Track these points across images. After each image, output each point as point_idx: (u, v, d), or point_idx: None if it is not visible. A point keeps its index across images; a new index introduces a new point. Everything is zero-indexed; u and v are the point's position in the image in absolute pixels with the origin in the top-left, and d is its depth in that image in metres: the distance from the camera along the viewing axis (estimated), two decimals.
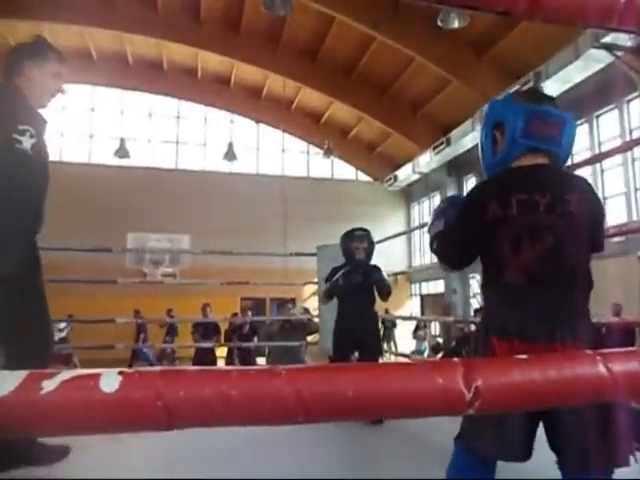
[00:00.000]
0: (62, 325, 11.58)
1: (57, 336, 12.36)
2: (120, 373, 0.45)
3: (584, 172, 10.75)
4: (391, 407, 0.51)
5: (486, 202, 1.40)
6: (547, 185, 1.37)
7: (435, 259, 1.88)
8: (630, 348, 0.60)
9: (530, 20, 0.73)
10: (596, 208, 1.44)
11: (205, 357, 7.94)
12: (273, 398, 0.47)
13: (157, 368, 0.47)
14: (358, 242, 3.54)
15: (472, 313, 14.62)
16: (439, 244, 1.62)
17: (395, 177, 18.22)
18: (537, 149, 1.41)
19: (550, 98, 1.49)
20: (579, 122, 11.52)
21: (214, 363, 8.26)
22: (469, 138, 13.78)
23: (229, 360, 8.41)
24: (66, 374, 0.44)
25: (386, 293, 3.52)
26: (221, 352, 8.93)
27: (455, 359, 0.53)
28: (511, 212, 1.35)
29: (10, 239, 1.80)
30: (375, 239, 3.75)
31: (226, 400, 0.46)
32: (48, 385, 0.43)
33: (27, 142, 1.86)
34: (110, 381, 0.45)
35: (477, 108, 12.79)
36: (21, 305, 1.82)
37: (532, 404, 0.57)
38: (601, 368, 0.56)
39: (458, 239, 1.51)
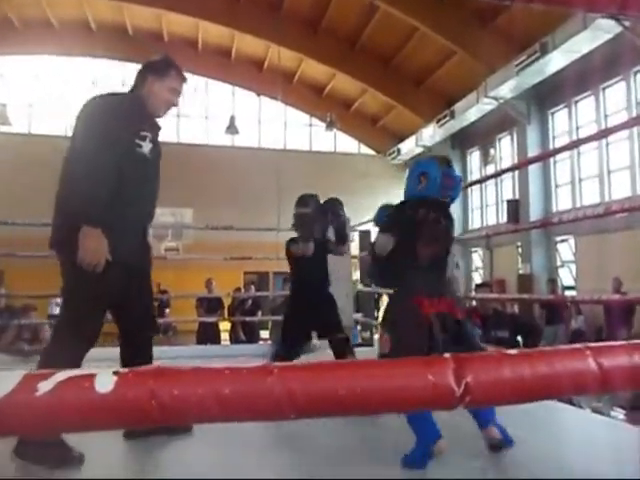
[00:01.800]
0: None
1: (52, 311, 12.38)
2: (115, 373, 0.46)
3: (590, 146, 10.65)
4: (382, 404, 0.52)
5: (415, 211, 2.26)
6: (444, 211, 2.32)
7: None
8: (619, 342, 0.61)
9: (531, 4, 0.72)
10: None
11: (209, 331, 8.03)
12: (265, 396, 0.48)
13: (152, 367, 0.48)
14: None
15: (474, 287, 14.68)
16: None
17: (398, 150, 18.07)
18: (442, 195, 2.29)
19: (451, 163, 2.39)
20: (586, 94, 11.35)
21: (218, 337, 8.35)
22: (473, 111, 13.62)
23: (233, 334, 8.50)
24: (62, 374, 0.45)
25: None
26: (225, 326, 9.01)
27: (446, 355, 0.54)
28: (427, 219, 2.24)
29: (128, 229, 2.07)
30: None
31: (219, 398, 0.47)
32: (44, 386, 0.44)
33: (146, 147, 2.11)
34: (105, 381, 0.45)
35: (482, 80, 12.60)
36: (133, 286, 2.14)
37: (522, 399, 0.58)
38: (591, 363, 0.57)
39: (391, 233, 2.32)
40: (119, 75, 17.54)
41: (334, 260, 3.53)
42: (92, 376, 0.46)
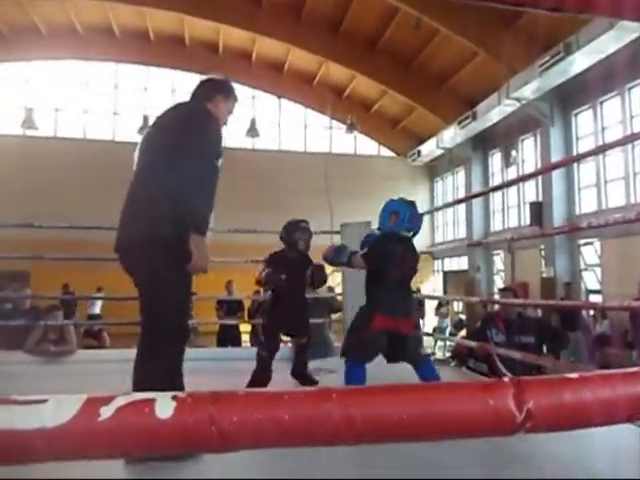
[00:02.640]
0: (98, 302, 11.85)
1: (93, 311, 12.64)
2: (174, 398, 0.46)
3: (616, 148, 10.44)
4: (442, 430, 0.51)
5: (387, 245, 2.98)
6: (407, 245, 3.03)
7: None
8: None
9: (581, 14, 0.70)
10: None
11: (229, 333, 8.06)
12: (324, 421, 0.47)
13: (209, 392, 0.48)
14: (301, 233, 3.78)
15: (496, 291, 14.50)
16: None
17: (419, 152, 17.99)
18: (408, 229, 3.02)
19: (415, 204, 3.10)
20: (611, 95, 11.16)
21: (239, 339, 8.38)
22: (495, 112, 13.49)
23: (254, 337, 8.50)
24: (122, 399, 0.45)
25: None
26: (245, 328, 9.03)
27: (505, 379, 0.53)
28: (396, 252, 2.94)
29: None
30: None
31: (278, 424, 0.46)
32: (105, 411, 0.44)
33: (220, 161, 2.24)
34: (165, 407, 0.45)
35: (505, 81, 12.47)
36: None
37: (584, 424, 0.56)
38: None
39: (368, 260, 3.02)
40: (141, 78, 17.82)
41: (352, 272, 3.77)
42: (152, 401, 0.45)
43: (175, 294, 2.13)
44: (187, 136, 2.11)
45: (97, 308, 12.83)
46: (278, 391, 0.49)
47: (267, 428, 0.46)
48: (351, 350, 2.90)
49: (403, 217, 2.95)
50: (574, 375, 0.55)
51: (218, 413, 0.45)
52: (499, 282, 15.02)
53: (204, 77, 2.53)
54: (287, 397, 0.48)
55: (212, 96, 2.34)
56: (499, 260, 15.26)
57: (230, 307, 8.42)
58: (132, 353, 2.49)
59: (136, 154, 2.28)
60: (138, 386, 2.02)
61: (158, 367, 2.04)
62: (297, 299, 3.73)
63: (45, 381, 3.67)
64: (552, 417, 0.52)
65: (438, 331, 13.06)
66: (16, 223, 8.02)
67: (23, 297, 6.35)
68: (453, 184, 18.09)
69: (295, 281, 3.66)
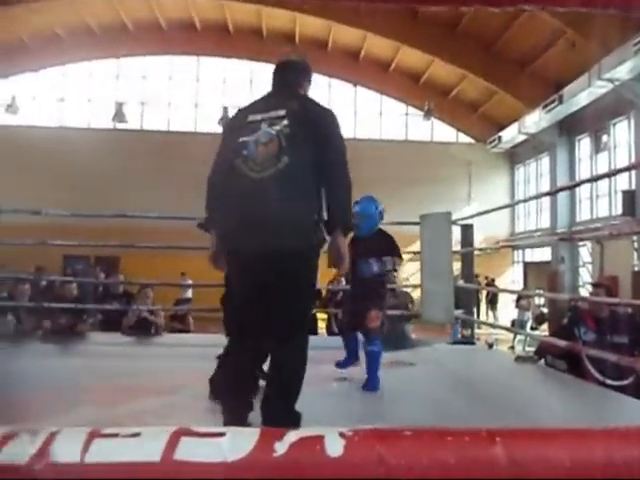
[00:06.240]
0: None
1: (186, 295, 13.33)
2: (341, 435, 0.47)
3: None
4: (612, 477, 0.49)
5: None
6: None
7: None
8: None
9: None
10: None
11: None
12: (490, 466, 0.46)
13: (373, 429, 0.48)
14: None
15: (581, 284, 13.75)
16: None
17: (499, 138, 17.31)
18: None
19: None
20: None
21: (315, 328, 8.46)
22: (584, 95, 12.70)
23: (328, 327, 8.57)
24: (293, 435, 0.46)
25: None
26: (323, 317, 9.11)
27: None
28: None
29: None
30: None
31: (444, 467, 0.46)
32: (279, 447, 0.45)
33: None
34: (334, 444, 0.46)
35: (595, 61, 11.70)
36: None
37: None
38: None
39: None
40: (219, 71, 18.29)
41: (434, 257, 3.80)
42: (321, 438, 0.46)
43: (313, 293, 2.29)
44: (330, 138, 2.13)
45: (189, 292, 13.52)
46: (440, 430, 0.49)
47: (433, 472, 0.46)
48: (381, 327, 3.19)
49: (383, 214, 3.58)
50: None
51: (386, 453, 0.46)
52: (585, 275, 14.23)
53: (284, 59, 2.44)
54: (451, 439, 0.48)
55: (302, 82, 2.39)
56: (585, 251, 14.44)
57: None
58: (214, 338, 2.62)
59: (259, 149, 2.01)
60: (286, 374, 2.06)
61: (301, 359, 2.09)
62: None
63: (139, 362, 3.88)
64: None
65: (518, 324, 12.56)
66: (110, 214, 8.61)
67: (116, 282, 6.76)
68: (536, 171, 17.29)
69: None
